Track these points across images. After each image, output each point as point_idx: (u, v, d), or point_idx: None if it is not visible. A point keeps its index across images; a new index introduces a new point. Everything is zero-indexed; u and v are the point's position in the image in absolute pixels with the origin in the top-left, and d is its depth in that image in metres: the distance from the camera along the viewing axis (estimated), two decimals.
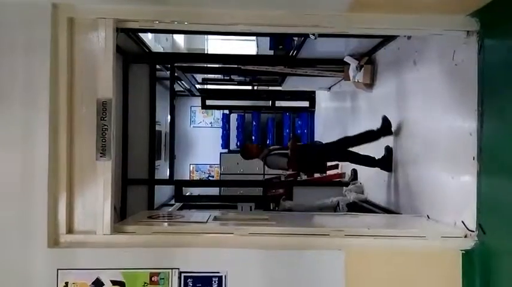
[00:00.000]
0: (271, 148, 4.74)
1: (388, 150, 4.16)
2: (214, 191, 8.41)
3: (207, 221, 2.92)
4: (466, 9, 2.66)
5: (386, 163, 4.18)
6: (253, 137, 9.73)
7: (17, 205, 2.52)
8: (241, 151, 4.76)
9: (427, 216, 3.23)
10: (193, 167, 10.36)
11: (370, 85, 4.84)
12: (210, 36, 9.45)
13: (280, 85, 7.71)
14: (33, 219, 2.51)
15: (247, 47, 9.15)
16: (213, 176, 10.30)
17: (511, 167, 2.38)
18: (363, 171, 5.22)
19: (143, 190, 5.22)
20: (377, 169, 4.36)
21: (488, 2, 2.53)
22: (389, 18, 2.73)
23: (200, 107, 9.30)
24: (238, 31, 2.80)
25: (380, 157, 4.25)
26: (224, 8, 2.67)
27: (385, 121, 4.10)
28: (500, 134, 2.49)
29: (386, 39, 4.25)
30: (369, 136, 4.29)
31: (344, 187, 5.29)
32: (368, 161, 4.39)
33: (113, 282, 2.53)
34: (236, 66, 6.05)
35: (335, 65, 5.46)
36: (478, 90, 2.65)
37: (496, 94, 2.53)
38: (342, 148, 4.41)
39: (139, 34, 4.86)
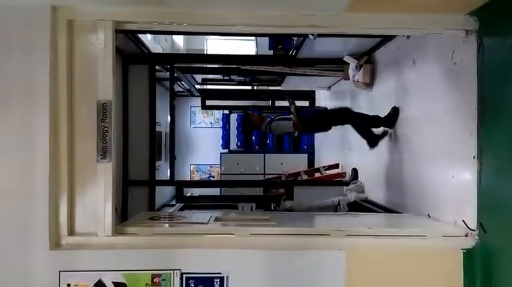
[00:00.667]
0: (274, 117, 4.74)
1: (395, 110, 4.12)
2: (215, 191, 8.41)
3: (208, 222, 2.93)
4: (465, 8, 2.66)
5: (391, 120, 4.15)
6: (253, 137, 9.74)
7: (18, 208, 2.52)
8: (244, 122, 4.71)
9: (428, 215, 3.24)
10: (193, 168, 10.37)
11: (369, 84, 4.84)
12: (209, 37, 9.45)
13: (279, 85, 7.71)
14: (35, 221, 2.51)
15: (246, 46, 9.15)
16: (213, 177, 10.31)
17: (510, 165, 2.38)
18: (363, 170, 5.23)
19: (144, 191, 5.22)
20: (377, 169, 4.36)
21: (487, 1, 2.53)
22: (388, 18, 2.73)
23: (200, 108, 9.29)
24: (237, 32, 2.80)
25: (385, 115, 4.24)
26: (223, 9, 2.67)
27: (395, 112, 4.08)
28: (500, 132, 2.49)
29: (386, 39, 4.26)
30: (372, 120, 4.32)
31: (345, 187, 5.30)
32: (374, 121, 4.35)
33: (115, 284, 2.53)
34: (236, 66, 6.05)
35: (334, 65, 5.46)
36: (477, 89, 2.65)
37: (495, 93, 2.53)
38: (346, 112, 4.47)
39: (139, 35, 4.87)
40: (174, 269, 2.55)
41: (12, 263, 2.52)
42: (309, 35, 3.57)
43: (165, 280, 2.54)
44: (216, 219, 3.05)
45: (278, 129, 4.70)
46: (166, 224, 3.04)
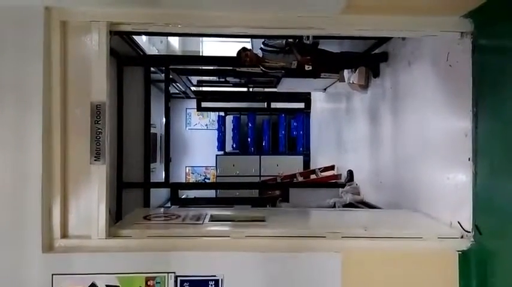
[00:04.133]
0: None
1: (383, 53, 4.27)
2: (210, 193, 8.39)
3: (203, 223, 2.90)
4: (460, 11, 2.67)
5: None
6: (249, 139, 9.73)
7: (11, 210, 2.49)
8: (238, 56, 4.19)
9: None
10: (189, 170, 10.35)
11: (364, 86, 4.85)
12: (205, 38, 9.45)
13: (275, 87, 7.72)
14: (27, 224, 2.48)
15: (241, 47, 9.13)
16: (209, 178, 10.29)
17: (506, 167, 2.38)
18: (358, 172, 5.23)
19: (139, 193, 5.20)
20: (372, 170, 4.35)
21: (482, 3, 2.53)
22: (384, 20, 2.72)
23: (195, 109, 9.29)
24: (232, 33, 2.79)
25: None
26: (218, 10, 2.66)
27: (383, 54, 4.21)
28: (495, 134, 2.49)
29: (381, 41, 4.26)
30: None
31: (340, 188, 5.29)
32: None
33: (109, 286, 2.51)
34: (231, 68, 6.04)
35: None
36: (472, 91, 2.65)
37: (490, 95, 2.54)
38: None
39: (134, 37, 4.85)
40: (168, 272, 2.53)
41: (4, 266, 2.48)
42: (304, 39, 3.54)
43: (159, 282, 2.52)
44: (211, 218, 3.02)
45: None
46: (161, 225, 2.99)
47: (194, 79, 8.16)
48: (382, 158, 4.33)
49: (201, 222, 2.91)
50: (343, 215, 3.35)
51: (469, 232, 2.65)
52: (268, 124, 9.79)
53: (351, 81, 4.93)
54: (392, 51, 4.14)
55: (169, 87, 6.43)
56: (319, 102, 8.08)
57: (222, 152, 9.79)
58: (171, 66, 5.90)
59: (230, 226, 2.98)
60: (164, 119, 6.47)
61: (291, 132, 9.76)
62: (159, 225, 2.99)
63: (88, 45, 2.62)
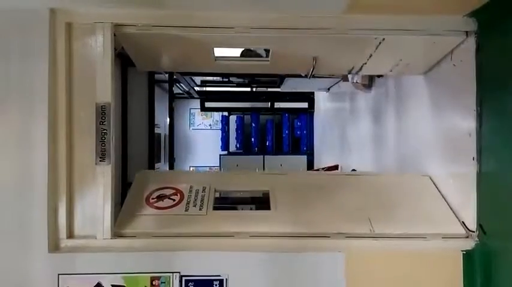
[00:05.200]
0: None
1: None
2: None
3: (207, 212, 2.87)
4: (464, 10, 2.66)
5: None
6: (252, 139, 9.74)
7: (17, 211, 2.51)
8: None
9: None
10: (193, 170, 10.37)
11: (368, 86, 4.84)
12: None
13: (279, 87, 7.72)
14: (33, 224, 2.51)
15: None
16: None
17: (510, 167, 2.38)
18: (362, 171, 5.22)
19: None
20: (376, 170, 4.33)
21: (486, 2, 2.53)
22: (387, 20, 2.72)
23: (199, 109, 9.31)
24: (236, 34, 2.79)
25: None
26: (221, 11, 2.66)
27: None
28: (500, 134, 2.49)
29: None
30: None
31: None
32: None
33: (114, 286, 2.53)
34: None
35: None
36: (476, 90, 2.65)
37: (494, 94, 2.53)
38: None
39: None
40: (173, 272, 2.55)
41: (11, 266, 2.51)
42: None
43: (164, 282, 2.54)
44: (216, 198, 3.00)
45: None
46: (164, 218, 2.91)
47: (198, 79, 8.18)
48: (386, 158, 4.33)
49: (204, 212, 2.87)
50: (349, 194, 3.23)
51: (474, 231, 2.65)
52: (271, 124, 9.80)
53: (355, 81, 4.92)
54: None
55: (173, 88, 6.45)
56: (323, 102, 8.07)
57: (225, 152, 9.81)
58: None
59: (234, 219, 2.89)
60: (168, 119, 6.50)
61: (294, 132, 9.76)
62: (162, 218, 2.91)
63: (93, 47, 2.63)
